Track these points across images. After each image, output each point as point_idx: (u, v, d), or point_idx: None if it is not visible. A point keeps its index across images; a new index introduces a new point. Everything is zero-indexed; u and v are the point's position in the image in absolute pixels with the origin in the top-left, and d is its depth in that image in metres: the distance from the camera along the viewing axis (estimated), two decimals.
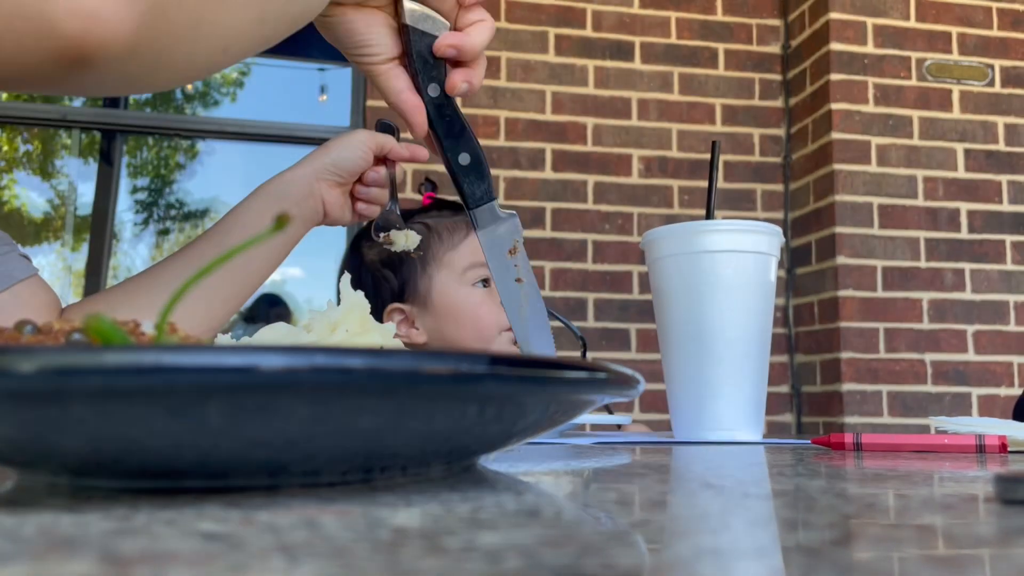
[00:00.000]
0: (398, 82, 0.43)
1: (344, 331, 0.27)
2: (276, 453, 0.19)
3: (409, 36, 0.43)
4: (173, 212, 2.38)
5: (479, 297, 0.87)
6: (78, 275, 2.21)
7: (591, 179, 1.88)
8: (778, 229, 0.59)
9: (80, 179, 2.25)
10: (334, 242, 1.95)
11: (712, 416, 0.56)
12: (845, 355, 1.76)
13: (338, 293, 0.36)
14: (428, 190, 0.96)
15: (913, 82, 1.88)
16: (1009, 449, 0.40)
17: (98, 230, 2.14)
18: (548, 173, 1.87)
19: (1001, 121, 1.91)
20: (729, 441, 0.54)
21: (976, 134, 1.89)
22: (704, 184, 1.96)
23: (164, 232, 2.35)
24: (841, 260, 1.78)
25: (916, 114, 1.87)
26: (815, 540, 0.14)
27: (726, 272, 0.56)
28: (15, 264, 0.52)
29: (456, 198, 0.76)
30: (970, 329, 1.83)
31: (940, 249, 1.84)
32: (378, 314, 0.89)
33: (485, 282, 0.87)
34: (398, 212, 0.60)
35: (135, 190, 2.31)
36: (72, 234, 2.28)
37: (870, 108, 1.84)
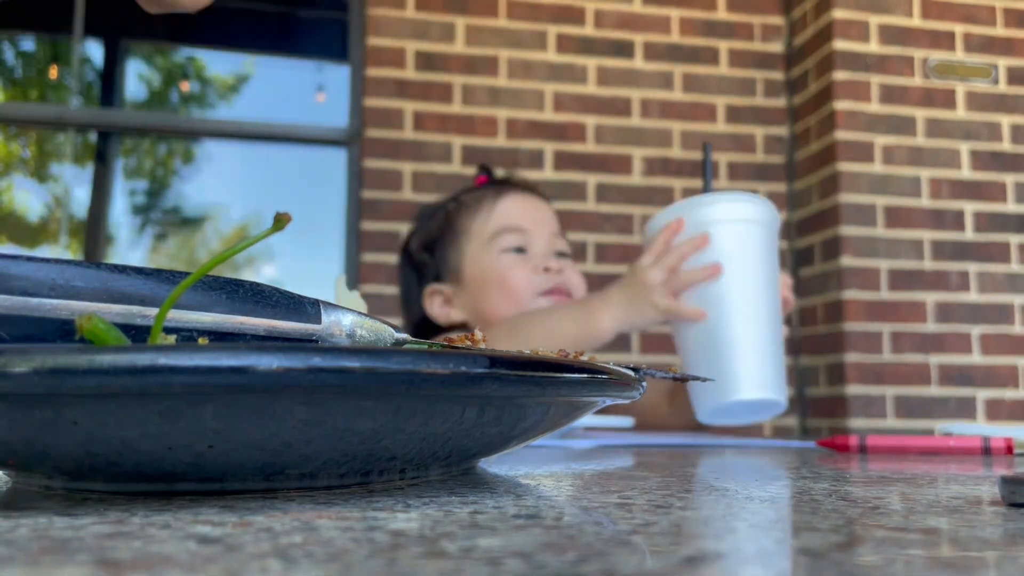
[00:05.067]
0: None
1: None
2: (272, 455, 0.18)
3: None
4: (169, 215, 2.39)
5: (509, 262, 0.83)
6: None
7: (592, 179, 1.88)
8: (769, 202, 0.61)
9: (76, 181, 2.25)
10: (330, 243, 1.96)
11: (731, 378, 0.56)
12: (850, 357, 1.75)
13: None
14: (482, 173, 0.97)
15: (917, 81, 1.87)
16: (1015, 451, 0.40)
17: (93, 232, 2.15)
18: (548, 173, 1.87)
19: (1006, 120, 1.90)
20: (732, 444, 0.54)
21: (981, 133, 1.89)
22: None
23: (161, 236, 2.35)
24: (845, 261, 1.78)
25: (920, 113, 1.86)
26: (820, 543, 0.14)
27: (729, 239, 0.58)
28: None
29: (505, 174, 0.88)
30: (975, 331, 1.82)
31: (945, 250, 1.83)
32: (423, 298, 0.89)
33: (519, 250, 0.84)
34: None
35: (133, 193, 2.32)
36: (68, 237, 2.28)
37: (874, 107, 1.84)
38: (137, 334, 0.19)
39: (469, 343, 0.24)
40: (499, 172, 0.97)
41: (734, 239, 0.57)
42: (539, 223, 0.86)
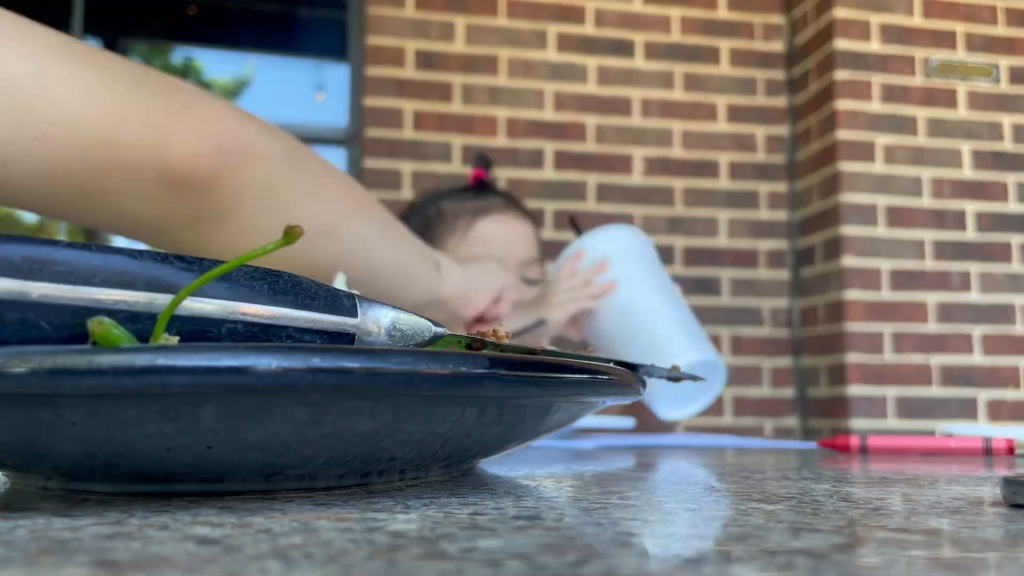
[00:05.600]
0: None
1: None
2: (272, 456, 0.18)
3: None
4: None
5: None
6: None
7: (592, 179, 1.88)
8: (639, 231, 0.73)
9: None
10: None
11: (664, 354, 0.64)
12: (851, 358, 1.75)
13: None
14: (479, 166, 0.90)
15: (919, 81, 1.87)
16: (1017, 452, 0.40)
17: (92, 234, 2.15)
18: (549, 173, 1.87)
19: (1007, 120, 1.90)
20: (732, 445, 0.54)
21: (982, 133, 1.89)
22: (708, 184, 1.96)
23: None
24: (847, 261, 1.77)
25: (922, 113, 1.86)
26: (821, 544, 0.14)
27: (619, 261, 0.70)
28: None
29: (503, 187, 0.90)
30: (977, 331, 1.82)
31: (946, 250, 1.83)
32: None
33: None
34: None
35: None
36: (65, 238, 2.28)
37: (875, 107, 1.84)
38: (180, 323, 0.18)
39: (493, 339, 0.24)
40: (492, 173, 0.95)
41: (622, 259, 0.70)
42: (510, 251, 0.87)
